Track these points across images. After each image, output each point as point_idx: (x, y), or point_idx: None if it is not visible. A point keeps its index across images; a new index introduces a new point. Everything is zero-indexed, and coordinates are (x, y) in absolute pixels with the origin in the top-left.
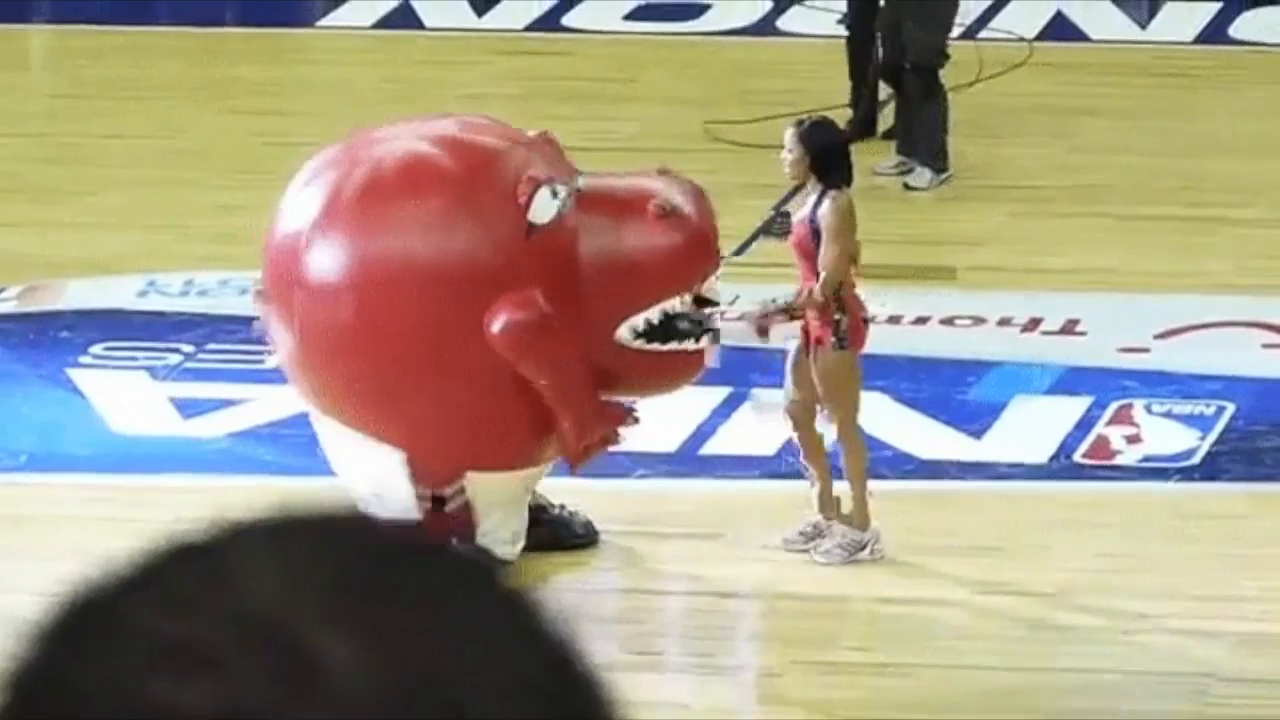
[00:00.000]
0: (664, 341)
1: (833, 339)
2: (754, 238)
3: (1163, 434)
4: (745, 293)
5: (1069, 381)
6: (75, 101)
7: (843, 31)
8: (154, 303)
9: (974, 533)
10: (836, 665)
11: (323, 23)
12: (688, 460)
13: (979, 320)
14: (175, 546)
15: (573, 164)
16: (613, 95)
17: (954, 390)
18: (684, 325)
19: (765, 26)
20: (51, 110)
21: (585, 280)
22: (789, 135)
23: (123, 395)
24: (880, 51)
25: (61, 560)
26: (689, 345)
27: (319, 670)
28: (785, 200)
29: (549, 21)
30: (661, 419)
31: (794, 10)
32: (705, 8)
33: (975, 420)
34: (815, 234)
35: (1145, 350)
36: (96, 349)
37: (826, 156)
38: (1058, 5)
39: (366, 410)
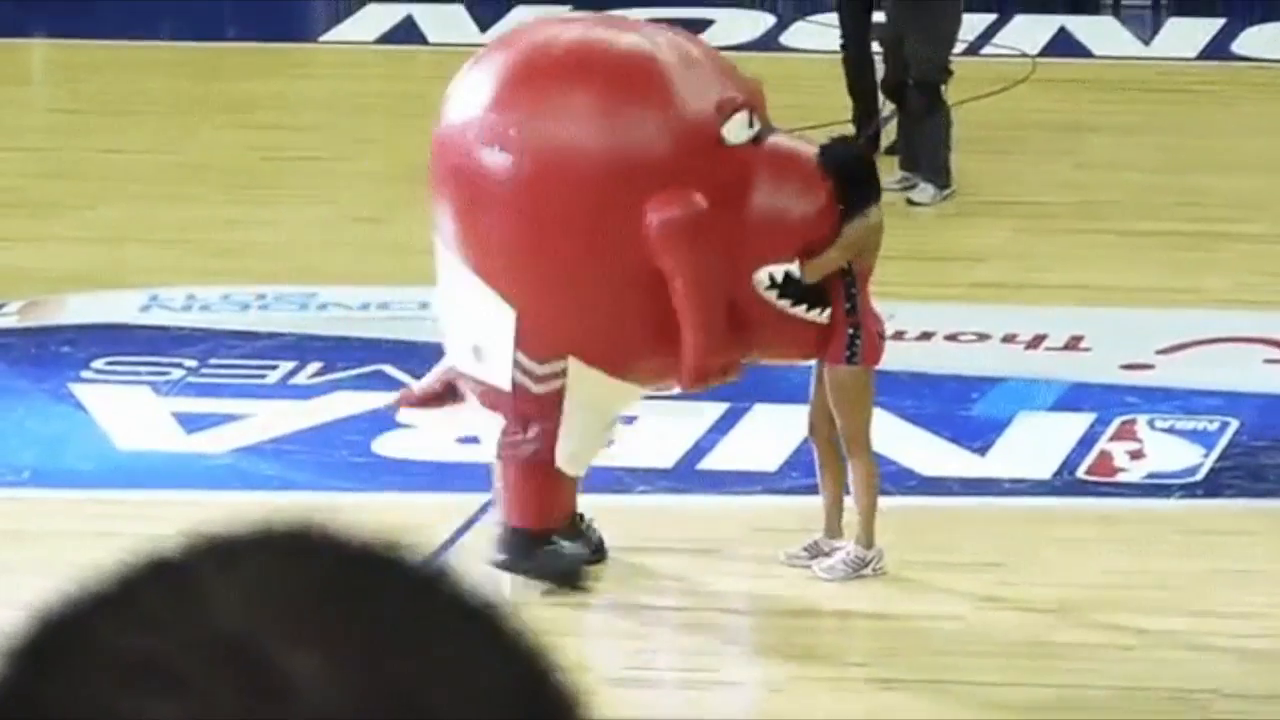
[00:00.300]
0: (791, 300)
1: (845, 353)
2: None
3: (1166, 450)
4: None
5: (1072, 398)
6: (75, 116)
7: (839, 46)
8: (156, 317)
9: (976, 549)
10: (837, 680)
11: (326, 37)
12: (686, 476)
13: (983, 336)
14: (144, 563)
15: (760, 99)
16: None
17: (957, 406)
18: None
19: (769, 42)
20: (51, 125)
21: (744, 216)
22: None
23: (125, 410)
24: (883, 66)
25: (63, 576)
26: (809, 313)
27: (288, 687)
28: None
29: None
30: (660, 435)
31: (797, 26)
32: (710, 23)
33: (978, 437)
34: None
35: (1148, 366)
36: (99, 364)
37: (847, 176)
38: (1061, 21)
39: (499, 262)
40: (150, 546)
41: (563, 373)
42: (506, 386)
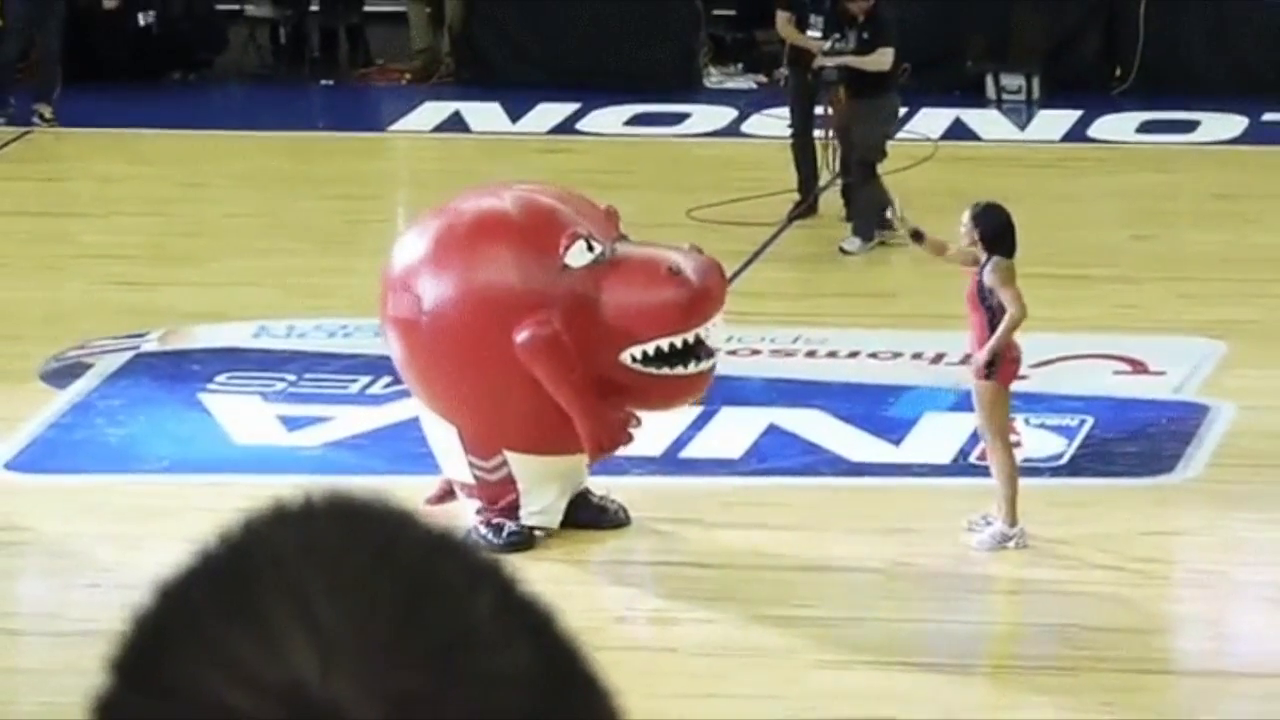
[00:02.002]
0: (659, 367)
1: (985, 370)
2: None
3: (1038, 441)
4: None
5: (965, 401)
6: (200, 189)
7: (789, 133)
8: (264, 343)
9: (892, 518)
10: (784, 619)
11: (393, 127)
12: (670, 462)
13: (897, 354)
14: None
15: (623, 234)
16: (615, 184)
17: (878, 408)
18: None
19: (733, 130)
20: (182, 195)
21: (603, 317)
22: (966, 215)
23: (241, 414)
24: (835, 149)
25: (196, 543)
26: (682, 370)
27: None
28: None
29: (566, 126)
30: (649, 430)
31: (755, 118)
32: (686, 115)
33: (894, 431)
34: (980, 288)
35: (1025, 377)
36: (220, 378)
37: (993, 233)
38: (956, 113)
39: (433, 392)
40: (226, 545)
41: (505, 462)
42: (471, 481)
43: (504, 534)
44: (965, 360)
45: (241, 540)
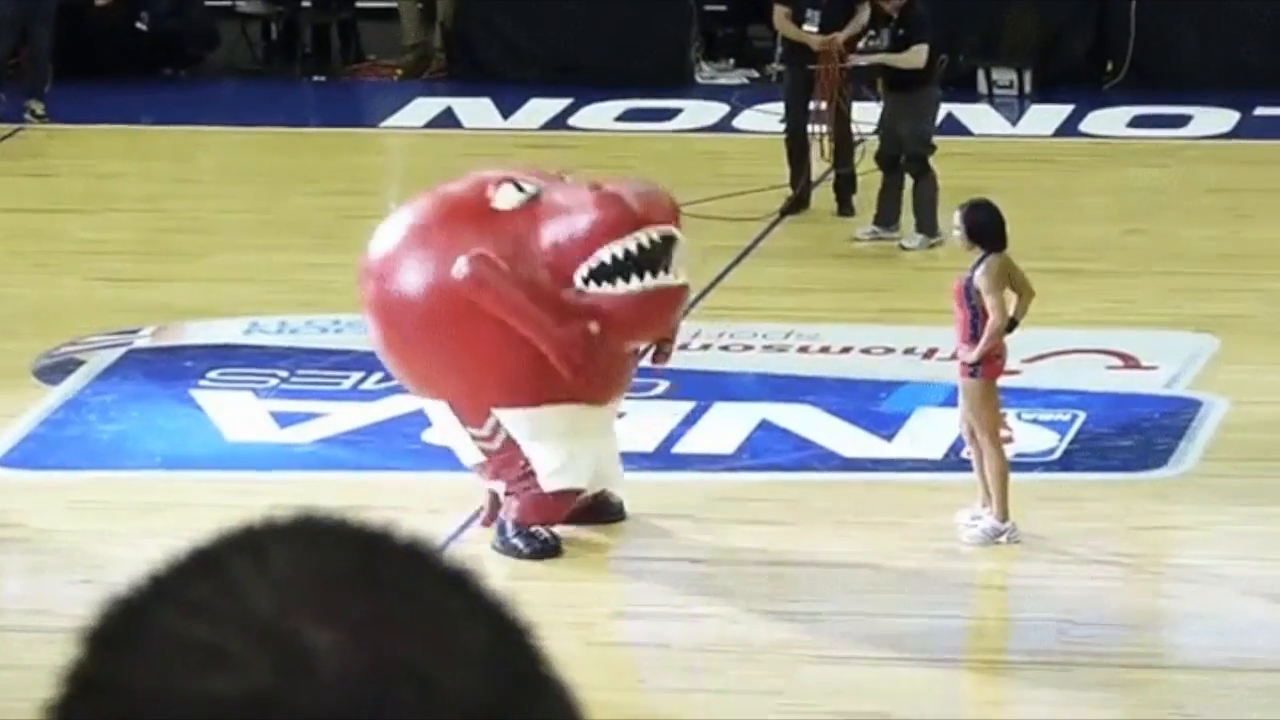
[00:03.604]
0: (613, 283)
1: (970, 369)
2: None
3: (1030, 435)
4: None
5: (957, 396)
6: (193, 185)
7: (781, 128)
8: (256, 339)
9: (885, 512)
10: (778, 613)
11: (385, 123)
12: (663, 458)
13: (889, 350)
14: (191, 558)
15: (556, 180)
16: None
17: (870, 403)
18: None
19: (724, 125)
20: (174, 192)
21: (547, 250)
22: (956, 213)
23: (233, 410)
24: (879, 143)
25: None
26: (640, 285)
27: (313, 660)
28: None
29: (558, 122)
30: (643, 426)
31: (746, 113)
32: (678, 111)
33: (886, 426)
34: (967, 287)
35: (1016, 372)
36: (212, 374)
37: (982, 229)
38: (949, 108)
39: (413, 371)
40: (198, 538)
41: (498, 424)
42: (482, 458)
43: (536, 542)
44: (955, 356)
45: (206, 540)
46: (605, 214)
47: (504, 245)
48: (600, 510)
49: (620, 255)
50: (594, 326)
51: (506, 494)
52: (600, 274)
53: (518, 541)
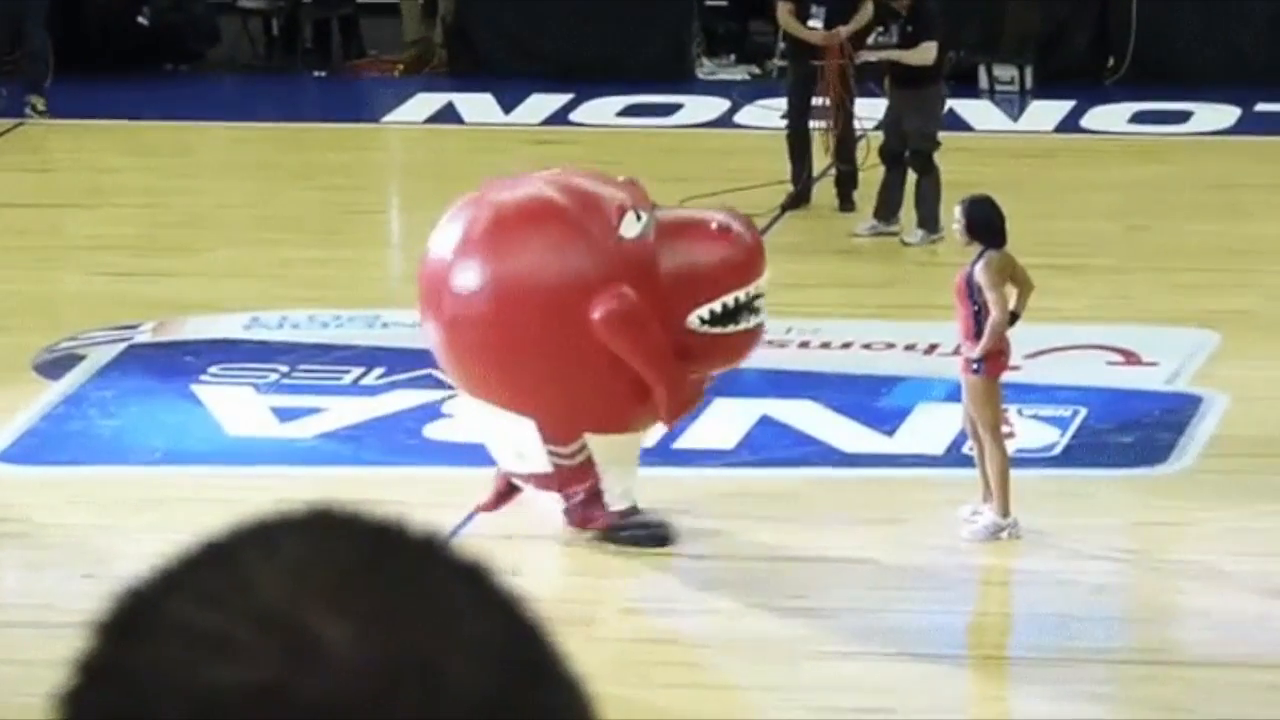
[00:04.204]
0: (724, 325)
1: (974, 365)
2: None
3: (1031, 431)
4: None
5: (958, 392)
6: (192, 180)
7: (783, 124)
8: (257, 334)
9: (886, 508)
10: (777, 609)
11: (386, 118)
12: (664, 453)
13: (890, 345)
14: (202, 549)
15: (650, 200)
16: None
17: (871, 399)
18: (740, 311)
19: (725, 121)
20: (174, 187)
21: (665, 284)
22: (956, 208)
23: (234, 405)
24: (883, 138)
25: (189, 533)
26: (744, 325)
27: (322, 650)
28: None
29: (560, 117)
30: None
31: (747, 108)
32: (679, 106)
33: (887, 422)
34: (968, 282)
35: (1017, 368)
36: (213, 369)
37: (982, 224)
38: (950, 104)
39: (500, 388)
40: (210, 531)
41: (585, 445)
42: (549, 470)
43: (649, 529)
44: (957, 351)
45: (219, 532)
46: (735, 260)
47: (626, 275)
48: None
49: (741, 299)
50: (708, 379)
51: (567, 512)
52: (721, 318)
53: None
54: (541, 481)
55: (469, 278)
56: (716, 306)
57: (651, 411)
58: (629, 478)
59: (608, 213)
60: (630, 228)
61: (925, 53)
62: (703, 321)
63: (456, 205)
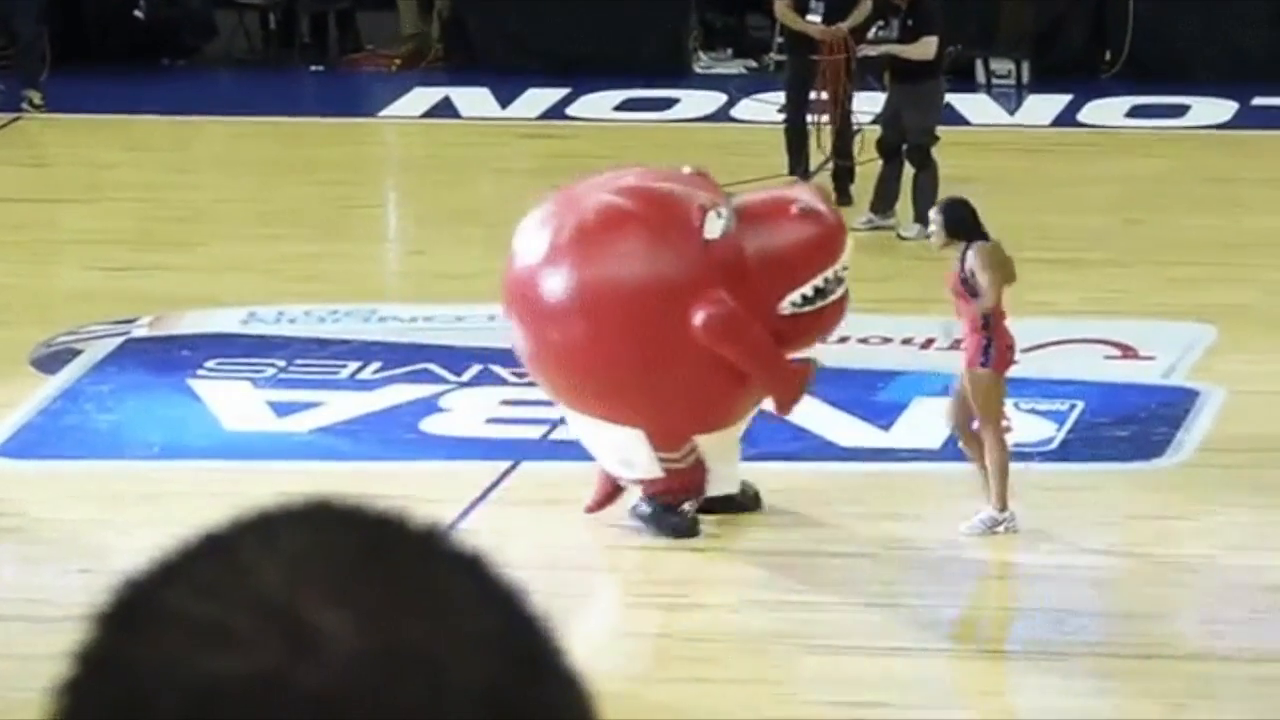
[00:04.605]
0: (815, 304)
1: (980, 358)
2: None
3: (1028, 425)
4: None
5: (952, 389)
6: (190, 174)
7: (780, 118)
8: (254, 328)
9: (882, 502)
10: (779, 603)
11: (383, 113)
12: None
13: (886, 339)
14: (202, 540)
15: (721, 190)
16: (605, 168)
17: (867, 393)
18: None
19: (722, 115)
20: (171, 181)
21: (755, 275)
22: (932, 212)
23: (230, 399)
24: (881, 131)
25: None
26: (833, 298)
27: (321, 640)
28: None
29: (556, 112)
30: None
31: (744, 103)
32: (676, 101)
33: (884, 416)
34: (964, 280)
35: (1014, 362)
36: (210, 364)
37: (961, 225)
38: (948, 98)
39: (602, 403)
40: (209, 523)
41: (695, 447)
42: (660, 475)
43: (676, 516)
44: (956, 345)
45: (219, 524)
46: (822, 240)
47: (717, 277)
48: (733, 499)
49: (831, 278)
50: (814, 364)
51: (647, 496)
52: (810, 299)
53: (657, 520)
54: (651, 485)
55: (558, 298)
56: (808, 290)
57: (754, 398)
58: (730, 465)
59: (689, 216)
60: (713, 228)
61: (926, 47)
62: (795, 305)
63: (539, 213)
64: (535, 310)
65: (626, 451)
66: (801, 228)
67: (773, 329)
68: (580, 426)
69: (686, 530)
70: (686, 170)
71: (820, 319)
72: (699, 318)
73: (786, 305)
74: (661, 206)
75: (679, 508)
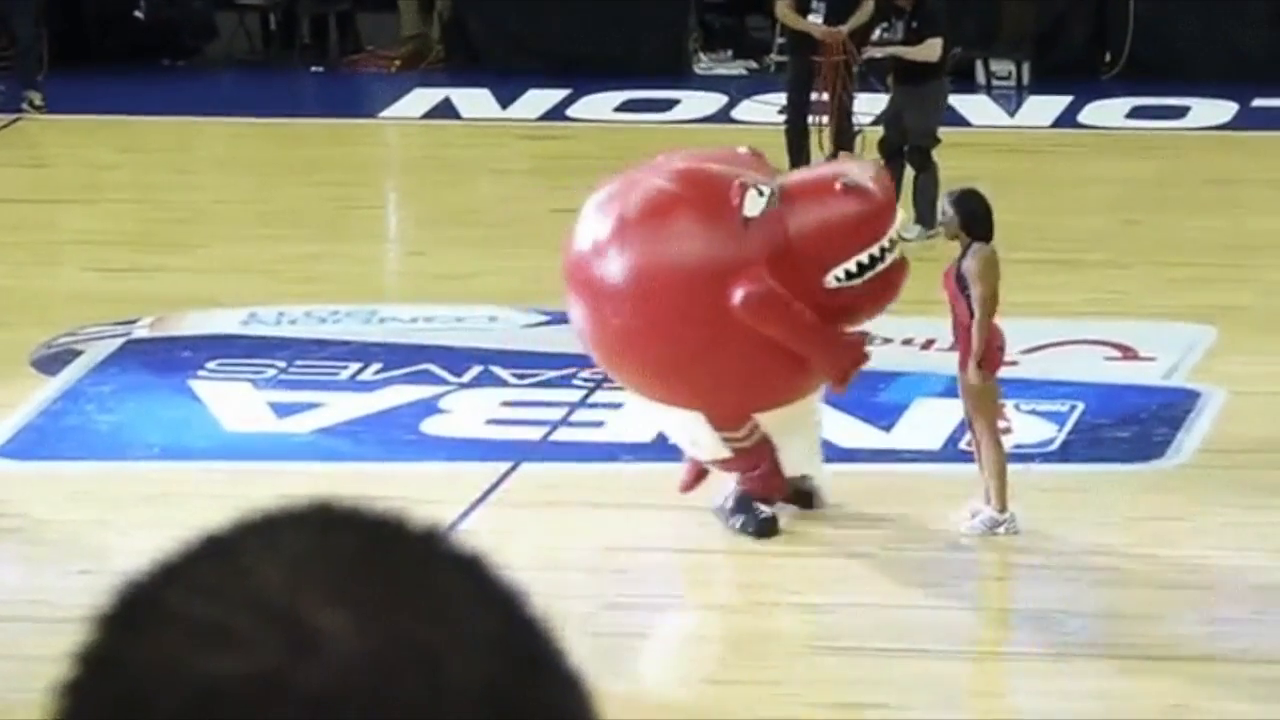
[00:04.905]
0: (862, 276)
1: (972, 362)
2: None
3: (1029, 426)
4: None
5: (955, 388)
6: (190, 175)
7: (780, 119)
8: (255, 329)
9: (883, 503)
10: (777, 604)
11: (383, 114)
12: (662, 449)
13: (888, 340)
14: (203, 542)
15: (773, 169)
16: (605, 169)
17: (868, 394)
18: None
19: (723, 116)
20: (171, 182)
21: (799, 252)
22: (943, 200)
23: (231, 400)
24: (883, 131)
25: (186, 528)
26: (882, 267)
27: (320, 639)
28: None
29: (557, 113)
30: (639, 417)
31: (744, 104)
32: (676, 102)
33: (885, 417)
34: (960, 279)
35: (1014, 363)
36: (211, 365)
37: (970, 217)
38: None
39: (658, 386)
40: (211, 525)
41: (756, 425)
42: (729, 454)
43: (757, 519)
44: (954, 347)
45: (220, 526)
46: (864, 217)
47: (758, 254)
48: (802, 500)
49: (876, 254)
50: (867, 336)
51: (739, 484)
52: (855, 273)
53: (741, 521)
54: (722, 465)
55: (611, 282)
56: (852, 265)
57: (810, 374)
58: (799, 444)
59: (728, 194)
60: (753, 206)
61: (930, 49)
62: (839, 280)
63: (600, 195)
64: (592, 294)
65: (691, 432)
66: (845, 203)
67: (820, 304)
68: (646, 409)
69: (767, 530)
70: (742, 150)
71: (871, 292)
72: (737, 296)
73: (831, 280)
74: (703, 187)
75: (761, 507)
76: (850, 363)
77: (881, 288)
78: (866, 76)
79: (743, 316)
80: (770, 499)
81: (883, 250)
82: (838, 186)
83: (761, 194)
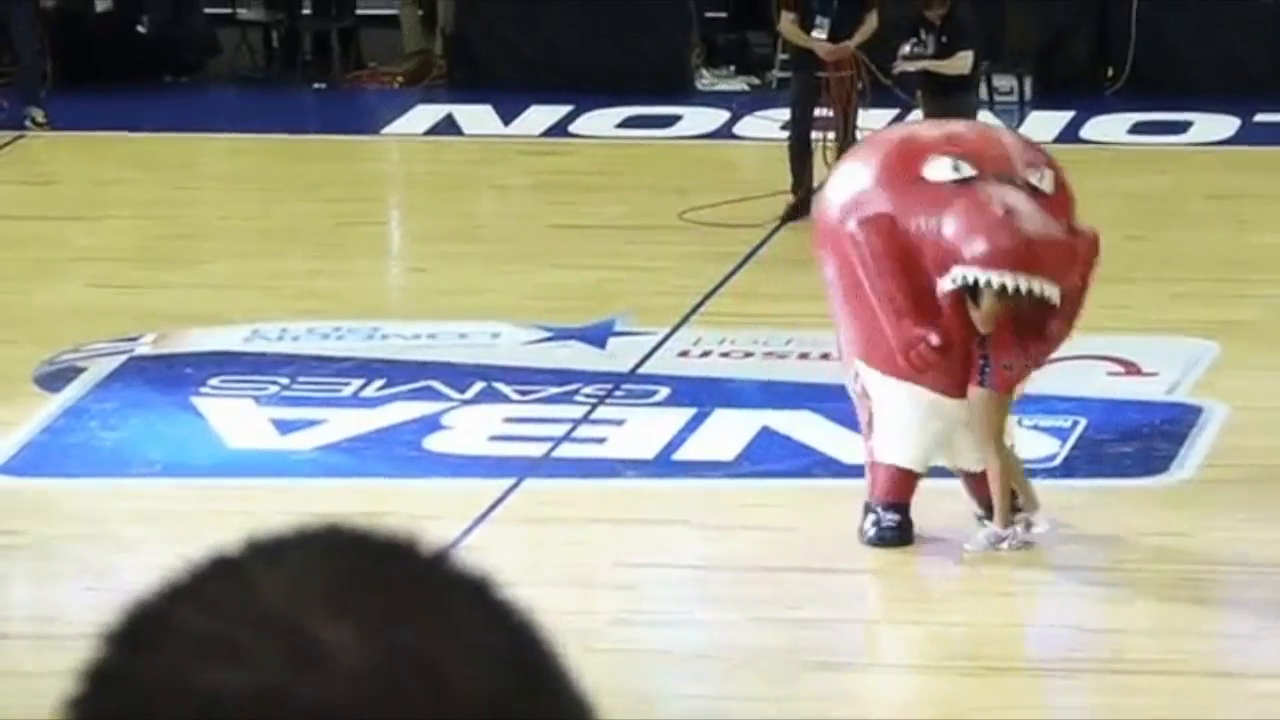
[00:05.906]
0: (971, 297)
1: (979, 378)
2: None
3: (1031, 441)
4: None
5: None
6: (192, 191)
7: (782, 135)
8: (257, 346)
9: None
10: (775, 621)
11: (385, 130)
12: (664, 464)
13: None
14: (209, 560)
15: (1025, 178)
16: (607, 185)
17: None
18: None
19: (724, 132)
20: (173, 198)
21: (937, 238)
22: None
23: (234, 417)
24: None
25: (190, 545)
26: (993, 302)
27: (324, 655)
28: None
29: (559, 129)
30: (644, 432)
31: (747, 119)
32: (678, 118)
33: None
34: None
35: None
36: (213, 382)
37: None
38: None
39: (842, 328)
40: (216, 542)
41: (857, 374)
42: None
43: (881, 527)
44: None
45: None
46: (991, 239)
47: (912, 213)
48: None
49: (1007, 285)
50: (934, 339)
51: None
52: (970, 290)
53: (866, 526)
54: (872, 488)
55: (834, 244)
56: (957, 276)
57: (936, 377)
58: (911, 432)
59: (920, 157)
60: (935, 170)
61: (962, 62)
62: (953, 283)
63: (850, 161)
64: (828, 255)
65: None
66: (985, 218)
67: (931, 300)
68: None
69: (897, 538)
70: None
71: (971, 316)
72: (851, 222)
73: (946, 282)
74: (901, 147)
75: (890, 515)
76: (915, 356)
77: (980, 319)
78: (894, 90)
79: (846, 240)
80: (896, 501)
81: (1017, 289)
82: (998, 206)
83: (955, 170)
